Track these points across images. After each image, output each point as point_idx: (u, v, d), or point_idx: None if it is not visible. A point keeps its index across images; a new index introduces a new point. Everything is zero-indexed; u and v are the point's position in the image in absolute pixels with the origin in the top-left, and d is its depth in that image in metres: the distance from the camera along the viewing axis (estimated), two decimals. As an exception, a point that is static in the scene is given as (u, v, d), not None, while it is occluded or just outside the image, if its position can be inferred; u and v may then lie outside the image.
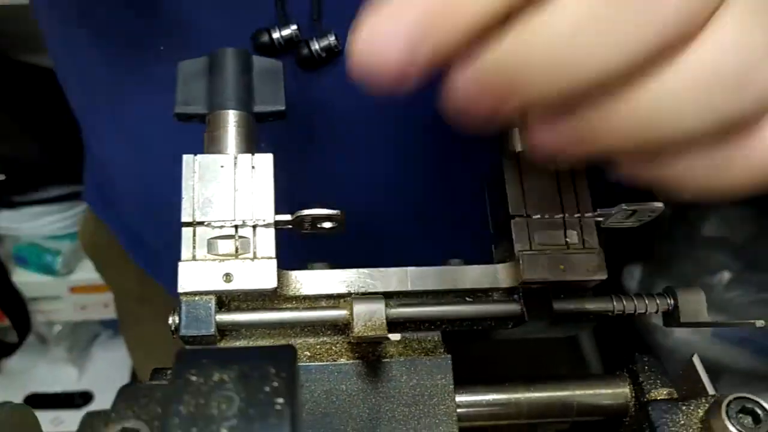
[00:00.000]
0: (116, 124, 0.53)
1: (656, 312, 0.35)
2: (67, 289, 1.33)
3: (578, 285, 0.34)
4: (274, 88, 0.38)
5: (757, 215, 1.20)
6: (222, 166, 0.34)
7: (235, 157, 0.34)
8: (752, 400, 0.24)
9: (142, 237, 0.62)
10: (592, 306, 0.34)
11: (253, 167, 0.34)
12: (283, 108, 0.37)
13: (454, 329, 0.34)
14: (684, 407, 0.25)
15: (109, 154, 0.59)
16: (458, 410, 0.33)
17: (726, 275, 1.11)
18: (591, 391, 0.34)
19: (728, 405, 0.24)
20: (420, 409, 0.31)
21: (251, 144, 0.35)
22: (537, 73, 0.22)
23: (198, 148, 0.35)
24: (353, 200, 0.47)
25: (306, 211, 0.32)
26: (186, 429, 0.17)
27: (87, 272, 1.29)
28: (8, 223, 1.27)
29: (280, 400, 0.18)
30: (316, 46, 0.42)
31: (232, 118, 0.36)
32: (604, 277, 0.34)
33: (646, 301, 0.35)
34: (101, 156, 0.62)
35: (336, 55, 0.43)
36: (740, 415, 0.24)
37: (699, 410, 0.25)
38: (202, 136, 0.36)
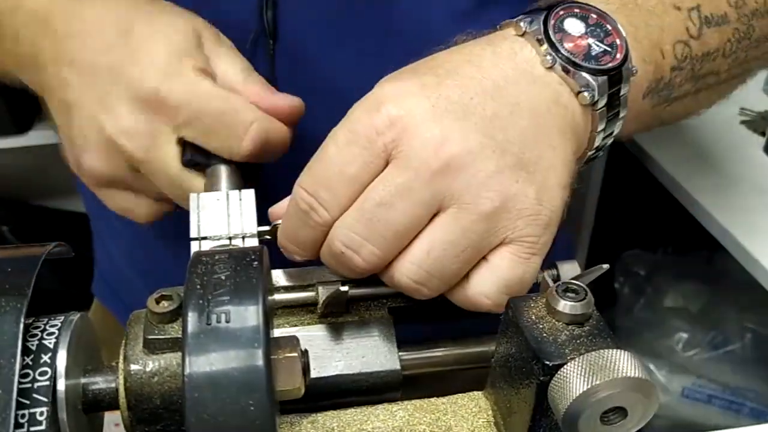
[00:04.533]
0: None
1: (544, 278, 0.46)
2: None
3: (485, 264, 0.46)
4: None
5: (709, 289, 1.32)
6: (218, 200, 0.47)
7: (227, 193, 0.47)
8: (574, 283, 0.36)
9: None
10: (496, 278, 0.46)
11: (240, 199, 0.47)
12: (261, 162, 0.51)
13: (396, 305, 0.46)
14: (534, 297, 0.37)
15: (116, 241, 0.71)
16: (403, 361, 0.44)
17: (683, 336, 1.21)
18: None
19: (557, 287, 0.36)
20: (370, 350, 0.43)
21: (238, 185, 0.49)
22: None
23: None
24: None
25: (280, 221, 0.45)
26: (200, 278, 0.30)
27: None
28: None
29: (255, 263, 0.30)
30: None
31: (224, 169, 0.49)
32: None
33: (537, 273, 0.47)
34: (109, 245, 0.74)
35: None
36: (567, 293, 0.36)
37: (544, 298, 0.37)
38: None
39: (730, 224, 1.01)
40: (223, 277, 0.29)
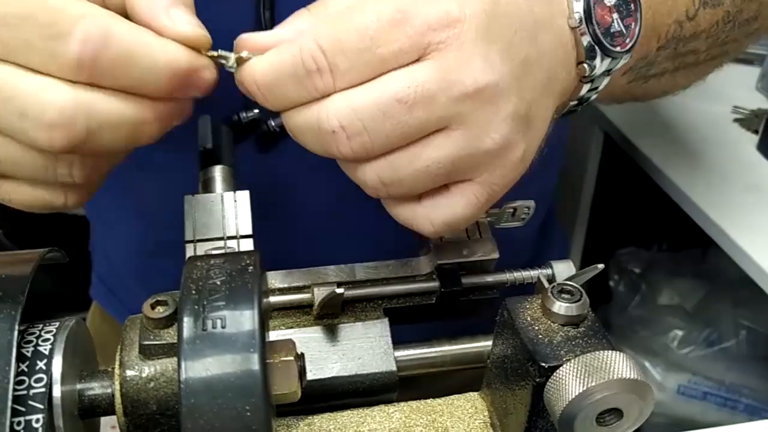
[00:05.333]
0: (119, 206, 0.66)
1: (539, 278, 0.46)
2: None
3: (480, 265, 0.46)
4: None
5: (704, 286, 1.32)
6: (212, 201, 0.47)
7: (222, 195, 0.47)
8: (569, 284, 0.36)
9: None
10: (491, 279, 0.46)
11: (235, 201, 0.47)
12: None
13: (392, 306, 0.46)
14: (529, 298, 0.37)
15: (115, 244, 0.71)
16: (399, 362, 0.44)
17: (678, 334, 1.22)
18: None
19: (552, 288, 0.36)
20: (366, 351, 0.43)
21: (232, 186, 0.49)
22: None
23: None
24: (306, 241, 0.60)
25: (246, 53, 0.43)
26: (195, 284, 0.29)
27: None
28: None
29: (250, 267, 0.30)
30: (272, 123, 0.57)
31: (218, 171, 0.49)
32: (496, 256, 0.46)
33: (531, 272, 0.47)
34: (107, 248, 0.74)
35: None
36: (562, 294, 0.36)
37: (539, 299, 0.37)
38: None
39: (724, 221, 1.01)
40: (218, 282, 0.29)
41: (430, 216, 0.38)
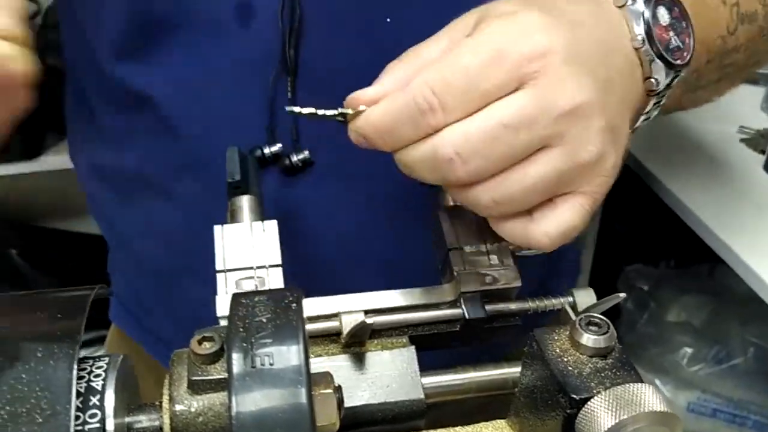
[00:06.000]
0: (142, 234, 0.68)
1: (561, 307, 0.48)
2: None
3: (503, 293, 0.48)
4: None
5: (712, 303, 1.33)
6: (241, 231, 0.48)
7: (251, 224, 0.49)
8: (596, 316, 0.37)
9: (167, 340, 0.74)
10: (514, 306, 0.47)
11: (263, 230, 0.48)
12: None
13: (417, 333, 0.47)
14: (557, 329, 0.38)
15: (135, 264, 0.72)
16: (426, 389, 0.45)
17: (688, 351, 1.23)
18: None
19: (580, 320, 0.37)
20: (394, 379, 0.44)
21: (260, 216, 0.50)
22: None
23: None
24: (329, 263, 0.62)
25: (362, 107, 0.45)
26: (242, 321, 0.31)
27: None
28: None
29: (294, 305, 0.31)
30: (294, 158, 0.58)
31: (246, 200, 0.51)
32: (518, 284, 0.47)
33: (554, 301, 0.48)
34: (127, 272, 0.75)
35: (309, 164, 0.59)
36: (589, 326, 0.37)
37: (566, 330, 0.38)
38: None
39: (731, 239, 1.02)
40: (264, 320, 0.31)
41: (545, 229, 0.42)
